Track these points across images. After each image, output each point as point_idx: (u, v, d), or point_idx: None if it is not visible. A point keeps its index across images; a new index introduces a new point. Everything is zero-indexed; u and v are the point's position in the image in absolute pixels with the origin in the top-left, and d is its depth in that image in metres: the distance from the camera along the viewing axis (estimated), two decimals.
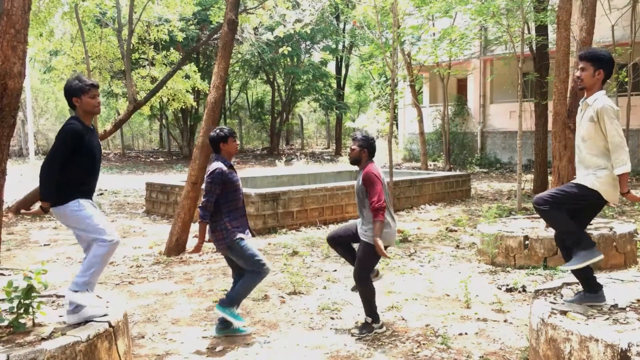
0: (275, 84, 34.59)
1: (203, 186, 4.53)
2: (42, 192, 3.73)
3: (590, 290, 3.84)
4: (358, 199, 4.62)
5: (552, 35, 14.22)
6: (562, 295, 4.08)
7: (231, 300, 4.53)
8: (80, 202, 3.79)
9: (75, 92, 3.84)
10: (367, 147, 4.61)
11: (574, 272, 3.87)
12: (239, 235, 4.49)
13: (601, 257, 3.74)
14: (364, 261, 4.57)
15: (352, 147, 4.65)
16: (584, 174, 3.80)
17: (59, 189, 3.78)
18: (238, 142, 4.83)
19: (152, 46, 16.39)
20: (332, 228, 9.67)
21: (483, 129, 22.88)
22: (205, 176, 4.53)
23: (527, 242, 6.69)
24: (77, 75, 3.97)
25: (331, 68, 35.92)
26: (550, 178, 11.56)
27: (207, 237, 4.60)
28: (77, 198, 3.79)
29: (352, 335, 4.58)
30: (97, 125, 13.09)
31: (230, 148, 4.63)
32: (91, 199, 3.94)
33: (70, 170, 3.78)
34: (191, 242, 8.27)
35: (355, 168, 4.76)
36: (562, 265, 3.88)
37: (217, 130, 4.64)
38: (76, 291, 3.66)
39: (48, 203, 3.75)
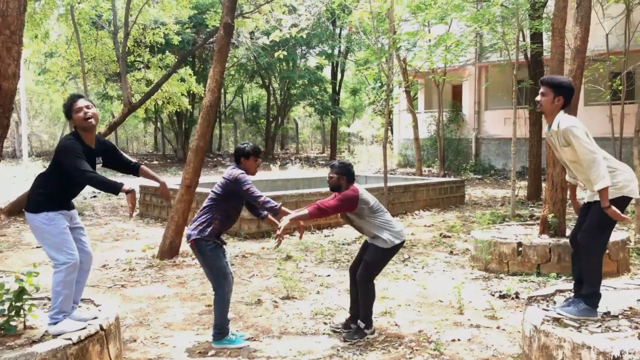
0: (271, 88, 34.63)
1: (245, 188, 4.36)
2: (108, 188, 3.59)
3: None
4: (355, 216, 4.64)
5: (546, 43, 14.30)
6: (555, 302, 4.09)
7: (220, 331, 4.45)
8: (50, 215, 3.62)
9: (66, 114, 3.78)
10: (345, 173, 4.61)
11: (575, 282, 3.94)
12: (215, 240, 4.41)
13: (596, 318, 3.73)
14: (370, 264, 4.60)
15: (330, 175, 4.64)
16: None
17: (33, 195, 3.69)
18: (260, 162, 4.73)
19: (147, 49, 16.40)
20: (327, 232, 9.67)
21: (477, 135, 22.94)
22: (236, 179, 4.38)
23: (520, 248, 6.70)
24: (70, 95, 3.87)
25: (327, 73, 35.99)
26: (544, 185, 11.60)
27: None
28: (47, 210, 3.62)
29: (345, 340, 4.57)
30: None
31: (249, 165, 4.56)
32: (67, 208, 3.76)
33: (52, 181, 3.70)
34: (185, 246, 8.23)
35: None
36: (557, 307, 3.86)
37: (245, 144, 4.60)
38: (55, 323, 3.55)
39: (124, 185, 3.58)
